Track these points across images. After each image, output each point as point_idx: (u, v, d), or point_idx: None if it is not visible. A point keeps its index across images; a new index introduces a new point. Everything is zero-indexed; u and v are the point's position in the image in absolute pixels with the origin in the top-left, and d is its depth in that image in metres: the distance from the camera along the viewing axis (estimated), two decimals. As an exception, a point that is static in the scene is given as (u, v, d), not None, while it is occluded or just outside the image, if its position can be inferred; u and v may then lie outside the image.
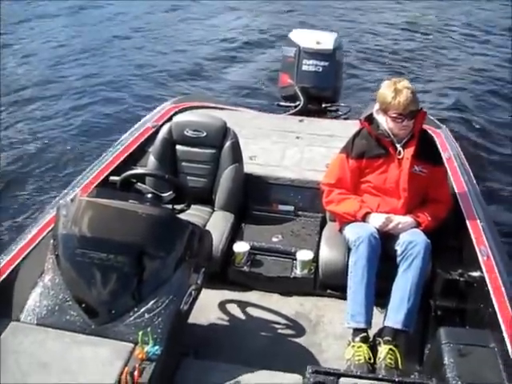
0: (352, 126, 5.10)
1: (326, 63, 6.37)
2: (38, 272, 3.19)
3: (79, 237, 3.06)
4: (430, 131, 4.32)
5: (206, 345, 3.53)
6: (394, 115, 3.71)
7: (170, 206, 3.58)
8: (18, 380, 2.70)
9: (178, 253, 3.08)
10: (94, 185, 4.26)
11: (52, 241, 3.18)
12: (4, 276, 3.40)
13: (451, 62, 10.34)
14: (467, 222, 3.97)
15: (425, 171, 3.85)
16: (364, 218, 3.79)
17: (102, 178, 4.37)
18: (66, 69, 10.15)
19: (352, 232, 3.74)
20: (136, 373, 2.67)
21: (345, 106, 6.86)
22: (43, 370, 2.73)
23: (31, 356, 2.80)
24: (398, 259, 3.62)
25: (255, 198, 4.66)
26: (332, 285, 4.02)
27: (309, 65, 6.39)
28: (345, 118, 6.46)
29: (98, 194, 3.39)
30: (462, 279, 3.78)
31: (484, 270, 3.52)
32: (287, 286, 4.10)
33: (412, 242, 3.58)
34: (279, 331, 3.79)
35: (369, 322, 3.50)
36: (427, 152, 3.88)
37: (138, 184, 3.62)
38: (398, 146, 3.82)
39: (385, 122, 3.82)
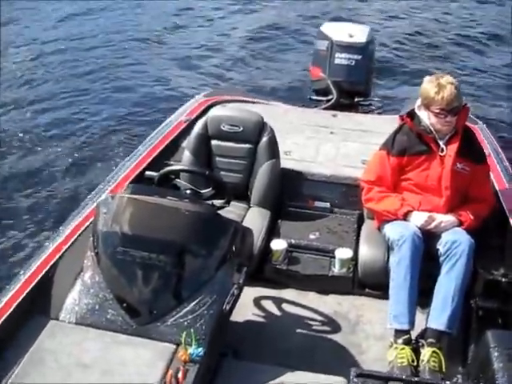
0: (386, 121, 5.07)
1: (359, 57, 6.26)
2: (76, 269, 3.15)
3: (120, 235, 3.03)
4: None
5: (243, 344, 3.49)
6: (437, 111, 3.63)
7: (209, 203, 3.52)
8: (59, 380, 2.67)
9: (220, 252, 3.04)
10: (129, 180, 4.22)
11: (91, 238, 3.14)
12: (42, 273, 3.37)
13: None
14: (510, 220, 3.88)
15: (467, 169, 3.77)
16: (405, 217, 3.71)
17: (136, 173, 4.33)
18: (97, 60, 10.10)
19: (394, 231, 3.67)
20: (180, 375, 2.64)
21: (378, 100, 6.76)
22: (84, 371, 2.71)
23: (71, 356, 2.77)
24: (441, 259, 3.54)
25: (290, 194, 4.59)
26: (371, 284, 3.95)
27: (341, 58, 6.29)
28: (378, 113, 6.35)
29: (136, 190, 3.33)
30: (504, 279, 3.69)
31: None
32: (325, 285, 4.03)
33: (456, 241, 3.50)
34: (317, 331, 3.73)
35: (412, 323, 3.44)
36: (470, 149, 3.80)
37: (177, 180, 3.58)
38: (440, 142, 3.74)
39: (427, 118, 3.73)
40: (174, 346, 2.80)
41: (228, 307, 3.00)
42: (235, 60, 9.88)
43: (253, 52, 10.14)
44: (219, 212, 3.46)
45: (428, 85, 3.68)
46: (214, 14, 12.21)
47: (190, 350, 2.74)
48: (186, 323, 2.86)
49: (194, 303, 2.90)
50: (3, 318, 3.08)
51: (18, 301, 3.19)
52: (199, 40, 10.89)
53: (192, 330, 2.81)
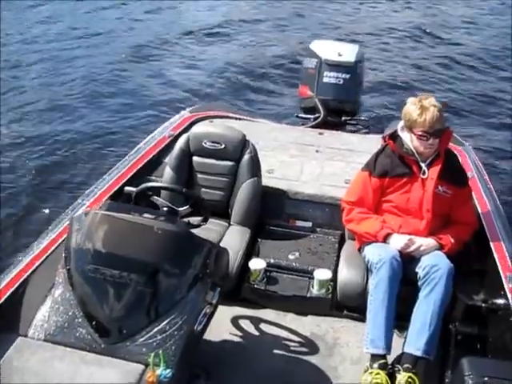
0: (372, 141, 5.04)
1: (347, 75, 6.25)
2: (47, 286, 3.10)
3: (92, 252, 2.97)
4: (453, 149, 4.20)
5: (217, 364, 3.44)
6: (420, 133, 3.61)
7: (186, 220, 3.47)
8: None
9: (193, 272, 2.99)
10: (108, 195, 4.17)
11: (64, 254, 3.09)
12: (13, 289, 3.32)
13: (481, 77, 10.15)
14: (491, 245, 3.84)
15: (449, 192, 3.74)
16: (385, 239, 3.67)
17: (116, 188, 4.29)
18: (79, 72, 10.10)
19: (373, 253, 3.63)
20: (146, 397, 2.58)
21: (365, 119, 6.74)
22: None
23: (37, 375, 2.72)
24: (420, 283, 3.49)
25: (272, 213, 4.55)
26: (350, 306, 3.91)
27: (330, 77, 6.27)
28: (365, 132, 6.32)
29: (112, 207, 3.29)
30: (484, 305, 3.65)
31: (510, 296, 3.39)
32: (303, 306, 3.98)
33: (435, 265, 3.46)
34: (294, 353, 3.67)
35: (388, 347, 3.39)
36: (452, 172, 3.77)
37: (154, 197, 3.53)
38: (422, 165, 3.72)
39: (409, 140, 3.72)
40: (143, 367, 2.74)
41: (200, 328, 2.95)
42: (223, 76, 9.87)
43: (242, 69, 10.13)
44: (198, 229, 3.43)
45: (411, 107, 3.66)
46: (204, 30, 12.21)
47: (158, 372, 2.68)
48: (155, 343, 2.80)
49: (164, 323, 2.85)
50: None
51: None
52: (189, 55, 10.91)
53: (161, 351, 2.75)
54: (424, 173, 3.71)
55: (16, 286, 3.34)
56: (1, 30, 11.73)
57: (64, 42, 11.63)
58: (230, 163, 4.38)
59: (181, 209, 3.47)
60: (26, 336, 2.94)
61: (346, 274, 3.84)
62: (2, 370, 2.75)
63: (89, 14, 13.40)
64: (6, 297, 3.26)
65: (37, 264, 3.50)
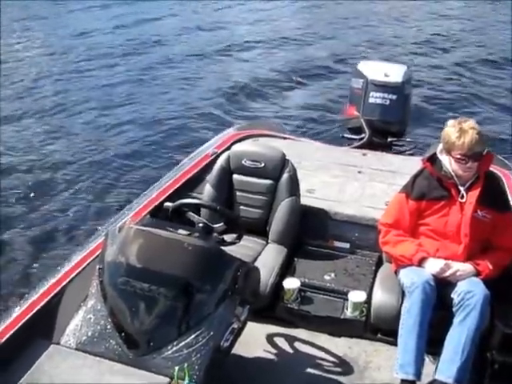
0: (416, 164, 4.94)
1: (394, 96, 6.22)
2: (82, 296, 3.19)
3: (124, 265, 3.06)
4: (498, 172, 4.12)
5: (246, 381, 3.44)
6: (458, 156, 3.56)
7: (221, 237, 3.51)
8: None
9: (222, 288, 3.02)
10: (148, 210, 4.26)
11: (98, 266, 3.17)
12: (49, 297, 3.43)
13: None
14: None
15: (488, 217, 3.66)
16: (420, 263, 3.62)
17: (156, 203, 4.37)
18: (130, 87, 10.39)
19: (407, 277, 3.59)
20: (169, 410, 2.61)
21: (411, 141, 6.67)
22: None
23: (66, 382, 2.80)
24: (454, 309, 3.43)
25: (310, 233, 4.54)
26: (383, 329, 3.85)
27: (376, 97, 6.25)
28: (410, 154, 6.26)
29: (148, 222, 3.37)
30: None
31: None
32: (336, 327, 3.95)
33: (470, 291, 3.39)
34: (324, 373, 3.64)
35: (418, 373, 3.33)
36: (493, 197, 3.69)
37: (190, 213, 3.58)
38: (461, 188, 3.66)
39: (448, 163, 3.67)
40: (168, 380, 2.78)
41: (226, 344, 2.97)
42: (272, 94, 9.96)
43: (291, 87, 10.18)
44: (235, 246, 3.46)
45: (450, 129, 3.62)
46: (252, 49, 12.33)
47: (182, 385, 2.72)
48: (181, 357, 2.85)
49: (191, 338, 2.89)
50: (6, 337, 3.16)
51: (22, 322, 3.27)
52: (238, 72, 11.02)
53: (186, 365, 2.79)
54: (462, 196, 3.65)
55: (52, 294, 3.46)
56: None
57: (112, 50, 12.02)
58: (269, 182, 4.40)
59: (215, 226, 3.51)
60: (58, 343, 3.04)
61: (381, 297, 3.81)
62: (33, 374, 2.86)
63: (138, 23, 13.70)
64: (42, 304, 3.38)
65: (73, 275, 3.61)
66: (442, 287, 3.50)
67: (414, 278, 3.48)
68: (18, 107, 9.56)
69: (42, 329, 3.20)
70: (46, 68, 11.10)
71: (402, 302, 3.64)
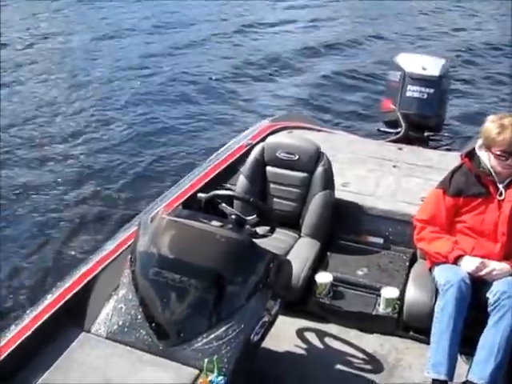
0: (453, 159, 4.87)
1: (431, 90, 6.12)
2: (113, 285, 3.22)
3: (156, 255, 3.06)
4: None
5: (275, 374, 3.42)
6: (498, 152, 3.49)
7: (253, 230, 3.49)
8: None
9: (253, 281, 3.01)
10: (181, 200, 4.26)
11: (130, 256, 3.18)
12: (81, 285, 3.46)
13: None
14: None
15: (527, 216, 3.58)
16: (456, 261, 3.55)
17: (189, 194, 4.36)
18: (166, 77, 10.39)
19: (442, 275, 3.52)
20: (197, 402, 2.62)
21: (448, 136, 6.56)
22: None
23: (95, 370, 2.83)
24: (490, 309, 3.35)
25: (344, 227, 4.49)
26: (416, 327, 3.79)
27: (413, 91, 6.16)
28: (447, 150, 6.15)
29: (180, 213, 3.36)
30: None
31: None
32: (368, 323, 3.90)
33: (506, 292, 3.31)
34: (354, 369, 3.60)
35: (450, 374, 3.27)
36: None
37: (223, 205, 3.57)
38: (499, 186, 3.58)
39: (487, 159, 3.59)
40: (197, 372, 2.78)
41: (256, 338, 2.96)
42: (308, 86, 9.89)
43: (325, 80, 10.11)
44: (267, 239, 3.44)
45: (490, 125, 3.54)
46: (289, 39, 12.25)
47: (211, 378, 2.72)
48: (210, 349, 2.84)
49: (221, 330, 2.88)
50: (38, 324, 3.19)
51: (54, 309, 3.29)
52: (274, 63, 10.98)
53: (215, 357, 2.78)
54: (501, 194, 3.57)
55: (84, 282, 3.48)
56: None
57: (156, 45, 12.02)
58: (303, 174, 4.36)
59: (248, 218, 3.49)
60: (89, 332, 3.07)
61: (414, 294, 3.75)
62: (63, 361, 2.90)
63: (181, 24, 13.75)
64: (74, 292, 3.41)
65: (105, 264, 3.63)
66: (477, 286, 3.43)
67: (450, 276, 3.42)
68: (60, 95, 9.67)
69: (73, 317, 3.22)
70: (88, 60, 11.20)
71: (435, 300, 3.57)
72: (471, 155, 3.70)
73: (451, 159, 4.93)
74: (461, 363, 3.39)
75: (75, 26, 13.16)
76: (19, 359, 2.99)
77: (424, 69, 6.13)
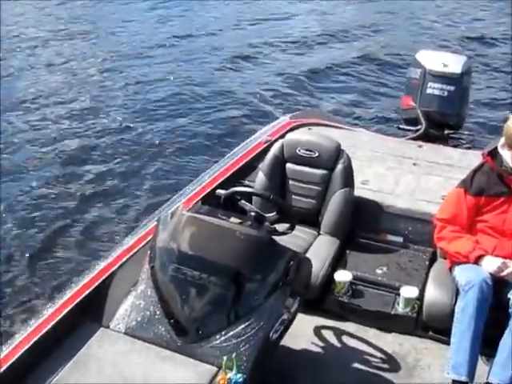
0: (474, 157, 4.82)
1: (452, 88, 6.05)
2: (132, 281, 3.23)
3: (175, 251, 3.05)
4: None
5: (293, 372, 3.42)
6: (520, 151, 3.44)
7: (273, 227, 3.47)
8: None
9: (273, 279, 2.99)
10: (200, 197, 4.25)
11: (149, 252, 3.18)
12: (99, 281, 3.47)
13: None
14: None
15: (549, 216, 3.53)
16: (477, 261, 3.51)
17: (208, 190, 4.36)
18: (186, 75, 10.37)
19: (462, 274, 3.49)
20: (216, 400, 2.61)
21: (469, 134, 6.49)
22: (123, 382, 2.76)
23: (114, 365, 2.85)
24: (511, 310, 3.32)
25: (363, 225, 4.46)
26: (435, 327, 3.76)
27: (433, 88, 6.10)
28: (467, 148, 6.09)
29: (200, 209, 3.35)
30: None
31: None
32: (386, 323, 3.87)
33: (527, 293, 3.28)
34: (372, 369, 3.57)
35: (471, 375, 3.24)
36: None
37: (242, 201, 3.55)
38: (521, 185, 3.54)
39: (510, 158, 3.55)
40: (215, 369, 2.78)
41: (275, 335, 2.94)
42: (327, 83, 9.84)
43: (344, 76, 10.06)
44: (286, 236, 3.43)
45: None
46: (308, 37, 12.19)
47: (230, 375, 2.71)
48: (229, 347, 2.84)
49: (240, 328, 2.88)
50: (58, 319, 3.20)
51: (73, 304, 3.30)
52: (293, 61, 10.93)
53: (234, 355, 2.78)
54: (523, 193, 3.54)
55: (103, 278, 3.49)
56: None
57: (164, 42, 12.04)
58: (323, 172, 4.34)
59: (268, 215, 3.48)
60: (107, 327, 3.09)
61: (434, 294, 3.72)
62: (82, 356, 2.92)
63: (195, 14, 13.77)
64: (93, 287, 3.42)
65: (124, 259, 3.63)
66: (498, 287, 3.40)
67: (471, 276, 3.38)
68: (80, 94, 9.73)
69: (92, 312, 3.24)
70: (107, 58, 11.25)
71: (455, 301, 3.54)
72: (493, 154, 3.66)
73: (472, 158, 4.88)
74: (481, 364, 3.35)
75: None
76: (38, 353, 3.01)
77: (445, 66, 6.06)
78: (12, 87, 9.85)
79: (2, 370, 2.93)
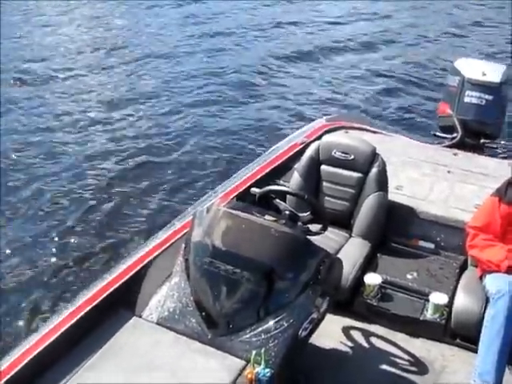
0: (509, 167, 4.80)
1: (491, 97, 5.99)
2: (166, 272, 3.28)
3: (210, 246, 3.10)
4: None
5: (320, 371, 3.44)
6: (556, 163, 3.44)
7: (306, 227, 3.51)
8: (127, 376, 2.80)
9: (305, 277, 3.03)
10: (235, 194, 4.31)
11: (184, 245, 3.24)
12: (135, 271, 3.54)
13: None
14: None
15: None
16: (508, 270, 3.51)
17: (243, 188, 4.41)
18: (222, 77, 10.49)
19: (493, 283, 3.49)
20: (243, 393, 2.66)
21: (505, 144, 6.44)
22: (152, 372, 2.82)
23: (145, 355, 2.90)
24: (540, 320, 3.32)
25: (395, 230, 4.48)
26: (463, 335, 3.76)
27: (471, 96, 6.05)
28: (503, 158, 6.04)
29: (236, 205, 3.41)
30: None
31: None
32: (414, 328, 3.89)
33: (558, 304, 3.27)
34: (399, 373, 3.59)
35: (498, 383, 3.24)
36: None
37: (277, 200, 3.60)
38: (556, 196, 3.53)
39: (545, 169, 3.54)
40: (244, 363, 2.82)
41: (304, 333, 2.98)
42: (365, 88, 9.84)
43: (382, 81, 10.05)
44: (318, 237, 3.46)
45: None
46: (346, 42, 12.19)
47: (258, 370, 2.75)
48: (258, 342, 2.88)
49: (269, 324, 2.92)
50: (92, 305, 3.28)
51: (108, 292, 3.37)
52: (332, 65, 10.94)
53: (263, 350, 2.82)
54: (558, 204, 3.53)
55: (138, 268, 3.56)
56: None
57: (204, 42, 12.20)
58: (357, 175, 4.37)
59: (302, 214, 3.52)
60: (140, 317, 3.15)
61: (463, 302, 3.73)
62: (113, 344, 2.99)
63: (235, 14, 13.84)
64: (128, 277, 3.49)
65: (159, 251, 3.70)
66: (529, 297, 3.40)
67: (501, 285, 3.39)
68: (117, 92, 9.92)
69: (126, 301, 3.30)
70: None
71: (484, 309, 3.55)
72: (529, 164, 3.66)
73: (507, 168, 4.85)
74: (507, 374, 3.35)
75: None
76: (71, 340, 3.09)
77: (484, 74, 6.01)
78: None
79: (38, 351, 3.01)
